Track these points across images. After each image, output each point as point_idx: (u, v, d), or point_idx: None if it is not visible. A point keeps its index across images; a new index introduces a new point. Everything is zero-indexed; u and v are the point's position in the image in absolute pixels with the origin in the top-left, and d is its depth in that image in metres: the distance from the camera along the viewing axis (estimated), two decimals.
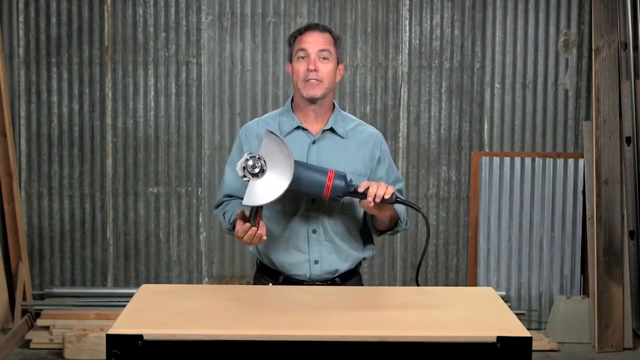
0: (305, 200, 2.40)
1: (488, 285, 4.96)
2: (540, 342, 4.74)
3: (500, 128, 5.02)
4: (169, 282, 4.98)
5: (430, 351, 1.72)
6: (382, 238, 3.79)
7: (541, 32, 4.98)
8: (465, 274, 5.08)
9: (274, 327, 1.77)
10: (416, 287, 2.25)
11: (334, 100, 2.51)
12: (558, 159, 5.00)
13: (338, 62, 2.44)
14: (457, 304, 2.04)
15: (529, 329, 3.81)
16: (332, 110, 2.48)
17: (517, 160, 5.01)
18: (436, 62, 4.98)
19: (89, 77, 4.92)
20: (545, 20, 4.98)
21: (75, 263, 5.02)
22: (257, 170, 2.14)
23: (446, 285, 5.07)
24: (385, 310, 1.97)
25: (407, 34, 4.96)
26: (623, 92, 4.78)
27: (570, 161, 5.00)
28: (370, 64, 4.97)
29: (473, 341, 1.72)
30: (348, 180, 2.25)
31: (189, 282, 5.00)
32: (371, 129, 2.53)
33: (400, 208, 2.41)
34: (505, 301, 2.27)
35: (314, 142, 2.43)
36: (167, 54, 4.93)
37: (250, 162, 2.14)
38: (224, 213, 2.44)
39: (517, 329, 1.78)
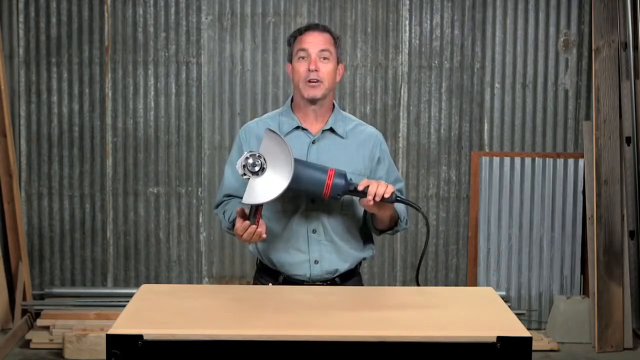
0: (305, 200, 2.39)
1: (488, 285, 4.96)
2: (540, 342, 4.74)
3: (500, 128, 5.02)
4: (169, 282, 4.98)
5: (430, 351, 1.72)
6: (382, 238, 3.80)
7: (541, 32, 4.98)
8: (465, 274, 5.08)
9: (274, 327, 1.77)
10: (416, 287, 2.25)
11: (334, 100, 2.51)
12: (558, 159, 5.00)
13: (338, 62, 2.45)
14: (457, 304, 2.04)
15: (529, 329, 3.80)
16: (332, 110, 2.48)
17: (517, 160, 5.01)
18: (436, 62, 4.98)
19: (89, 77, 4.92)
20: (545, 20, 4.98)
21: (75, 263, 5.02)
22: (257, 168, 2.13)
23: (446, 285, 5.07)
24: (385, 310, 1.97)
25: (407, 34, 4.96)
26: (623, 92, 4.78)
27: (570, 161, 5.00)
28: (370, 64, 4.97)
29: (473, 341, 1.72)
30: (348, 179, 2.25)
31: (189, 282, 5.00)
32: (371, 129, 2.53)
33: (400, 207, 2.42)
34: (505, 301, 2.27)
35: (313, 142, 2.43)
36: (167, 54, 4.93)
37: (250, 160, 2.13)
38: (224, 212, 2.44)
39: (517, 329, 1.78)
